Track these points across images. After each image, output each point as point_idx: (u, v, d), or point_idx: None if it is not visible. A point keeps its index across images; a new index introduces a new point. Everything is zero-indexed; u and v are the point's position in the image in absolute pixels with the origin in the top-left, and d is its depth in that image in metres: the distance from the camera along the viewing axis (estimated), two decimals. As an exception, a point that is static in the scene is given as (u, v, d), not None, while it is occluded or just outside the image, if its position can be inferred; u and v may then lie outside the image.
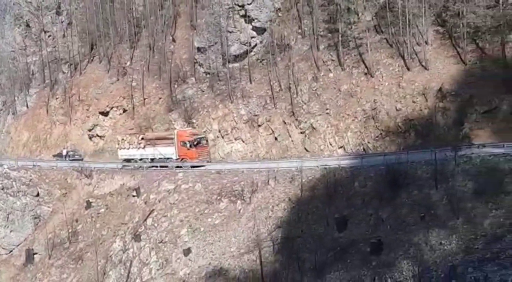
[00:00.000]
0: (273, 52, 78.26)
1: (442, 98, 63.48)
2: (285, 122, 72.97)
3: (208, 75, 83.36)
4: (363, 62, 71.30)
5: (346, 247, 54.09)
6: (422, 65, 67.27)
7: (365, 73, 70.41)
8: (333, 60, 74.02)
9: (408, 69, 67.91)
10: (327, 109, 70.38)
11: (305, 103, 72.21)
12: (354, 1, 73.49)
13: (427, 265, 48.28)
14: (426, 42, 68.63)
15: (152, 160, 75.54)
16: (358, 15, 74.45)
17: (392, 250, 51.35)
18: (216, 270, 58.70)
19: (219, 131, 77.24)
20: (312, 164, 64.49)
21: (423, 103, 64.30)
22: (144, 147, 75.76)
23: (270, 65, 77.40)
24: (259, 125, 74.73)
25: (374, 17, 74.00)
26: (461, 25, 66.61)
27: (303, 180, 61.40)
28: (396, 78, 68.03)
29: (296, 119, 72.00)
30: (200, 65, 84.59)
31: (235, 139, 76.22)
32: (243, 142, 75.55)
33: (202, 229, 63.67)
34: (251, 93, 76.92)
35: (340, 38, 74.12)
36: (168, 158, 74.27)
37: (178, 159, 73.49)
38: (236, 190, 64.73)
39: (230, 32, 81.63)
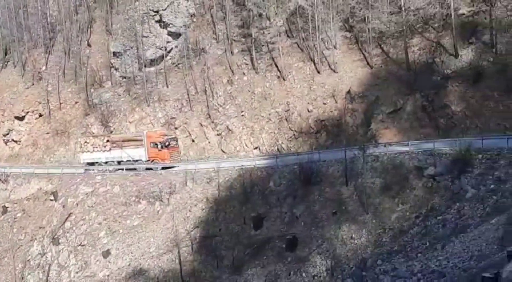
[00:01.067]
0: (188, 56, 77.72)
1: (350, 100, 64.53)
2: (201, 125, 72.51)
3: (124, 79, 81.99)
4: (276, 65, 71.68)
5: (262, 244, 54.27)
6: (331, 69, 68.17)
7: (278, 77, 70.81)
8: (247, 64, 74.10)
9: (319, 72, 68.70)
10: (242, 111, 70.37)
11: (220, 106, 71.96)
12: (266, 7, 73.74)
13: (339, 258, 49.00)
14: (335, 47, 69.60)
15: (119, 162, 71.40)
16: (270, 20, 74.84)
17: (306, 245, 51.84)
18: (135, 270, 57.80)
19: (136, 134, 76.03)
20: (228, 165, 64.45)
21: (333, 105, 65.18)
22: (110, 149, 71.32)
23: (186, 69, 76.87)
24: (176, 128, 73.99)
25: (285, 23, 74.59)
26: (367, 30, 68.00)
27: (220, 180, 61.29)
28: (307, 81, 68.71)
29: (212, 122, 71.67)
30: (116, 69, 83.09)
31: (152, 142, 75.18)
32: (161, 144, 74.59)
33: (121, 231, 62.52)
34: (168, 96, 76.07)
35: (253, 43, 74.34)
36: (136, 160, 70.08)
37: (148, 160, 69.57)
38: (155, 192, 63.91)
39: (146, 37, 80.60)
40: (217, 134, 71.05)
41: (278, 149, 67.11)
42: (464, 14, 63.77)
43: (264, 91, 70.53)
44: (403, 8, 65.29)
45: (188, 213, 60.73)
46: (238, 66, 74.28)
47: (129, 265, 59.01)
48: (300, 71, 69.97)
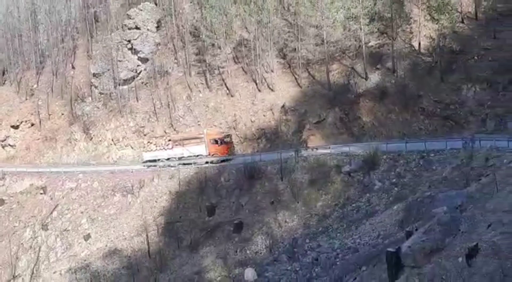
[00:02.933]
0: (155, 77, 76.71)
1: (285, 112, 64.76)
2: (165, 132, 71.57)
3: (102, 95, 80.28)
4: (225, 85, 71.38)
5: (214, 228, 53.99)
6: (270, 88, 68.30)
7: (227, 94, 70.53)
8: (202, 83, 73.61)
9: (259, 91, 68.73)
10: (198, 121, 69.81)
11: (181, 117, 71.25)
12: (217, 38, 73.42)
13: (276, 238, 49.07)
14: (272, 70, 69.77)
15: (180, 158, 65.41)
16: (220, 49, 74.54)
17: (250, 228, 51.79)
18: (111, 250, 56.76)
19: (112, 140, 74.52)
20: (188, 164, 63.73)
21: (271, 116, 65.32)
22: (172, 147, 66.24)
23: (153, 87, 75.81)
24: (145, 135, 72.84)
25: (232, 51, 74.41)
26: (297, 58, 68.42)
27: (181, 177, 60.68)
28: (250, 98, 68.64)
29: (175, 130, 70.85)
30: (96, 87, 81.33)
31: (125, 146, 73.84)
32: (132, 148, 73.31)
33: (99, 218, 61.38)
34: (138, 109, 74.90)
35: (207, 67, 73.93)
36: (197, 155, 64.66)
37: (208, 155, 64.13)
38: (127, 186, 62.86)
39: (120, 61, 79.19)
40: (178, 140, 70.37)
41: (227, 152, 66.86)
42: (372, 46, 64.89)
43: (216, 105, 70.17)
44: (325, 41, 65.93)
45: (155, 203, 59.92)
46: (195, 85, 73.73)
47: (106, 246, 57.93)
48: (245, 90, 69.90)
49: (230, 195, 56.55)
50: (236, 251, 50.05)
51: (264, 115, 66.03)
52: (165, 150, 66.87)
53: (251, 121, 66.14)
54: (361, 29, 63.97)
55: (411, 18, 63.89)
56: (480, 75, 54.69)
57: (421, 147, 49.62)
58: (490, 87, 53.70)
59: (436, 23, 60.78)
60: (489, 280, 17.46)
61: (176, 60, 78.38)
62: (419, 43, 60.96)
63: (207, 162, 63.32)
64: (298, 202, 51.48)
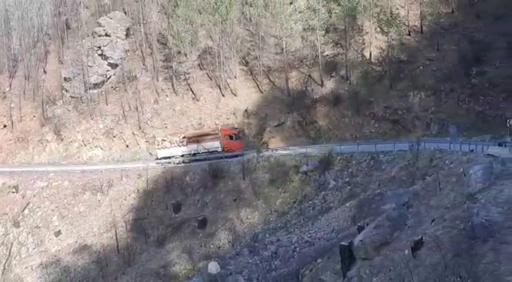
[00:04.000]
0: (124, 82, 75.45)
1: (247, 116, 64.85)
2: (134, 134, 70.49)
3: (73, 99, 78.47)
4: (191, 90, 70.84)
5: (180, 224, 53.65)
6: (233, 93, 68.18)
7: (193, 98, 69.99)
8: (169, 88, 72.86)
9: (223, 96, 68.50)
10: (165, 124, 69.05)
11: (149, 120, 70.34)
12: (183, 46, 72.82)
13: (238, 234, 49.06)
14: (235, 77, 69.64)
15: (194, 154, 62.31)
16: (186, 56, 73.97)
17: (213, 224, 51.64)
18: (81, 246, 55.73)
19: (83, 141, 72.95)
20: (155, 164, 62.95)
21: (235, 120, 65.26)
22: (187, 144, 62.59)
23: (122, 91, 74.55)
24: (114, 136, 71.60)
25: (198, 58, 73.93)
26: (258, 65, 68.54)
27: (148, 176, 59.99)
28: (215, 102, 68.34)
29: (143, 132, 69.89)
30: (67, 91, 79.43)
31: (95, 147, 72.41)
32: (102, 149, 71.94)
33: (69, 215, 60.08)
34: (108, 112, 73.57)
35: (174, 73, 73.20)
36: (212, 151, 61.51)
37: (223, 150, 60.93)
38: (97, 185, 61.68)
39: (90, 66, 77.56)
40: (146, 142, 69.40)
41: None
42: (328, 55, 65.57)
43: (182, 109, 69.58)
44: (284, 50, 66.30)
45: (123, 201, 59.03)
46: (162, 90, 72.94)
47: (76, 242, 56.76)
48: (209, 95, 69.56)
49: (195, 193, 56.20)
50: (201, 246, 49.81)
51: (227, 119, 65.89)
52: (180, 146, 63.45)
53: (215, 124, 65.81)
54: (317, 39, 64.61)
55: (363, 30, 64.86)
56: (425, 83, 55.99)
57: (371, 148, 50.40)
58: (434, 94, 55.02)
59: (386, 35, 61.89)
60: (432, 270, 17.84)
61: (144, 66, 77.37)
62: (370, 53, 61.97)
63: (220, 157, 60.42)
64: (259, 200, 51.57)
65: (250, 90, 68.06)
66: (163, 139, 64.59)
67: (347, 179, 48.15)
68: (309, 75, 65.07)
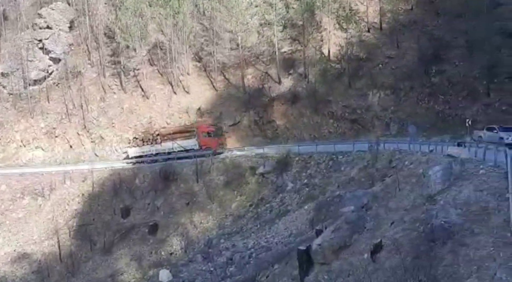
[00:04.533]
0: (67, 78, 73.75)
1: (200, 115, 64.59)
2: (78, 134, 69.00)
3: (11, 96, 76.07)
4: (141, 87, 69.98)
5: (129, 230, 52.89)
6: (185, 91, 67.78)
7: (142, 96, 69.17)
8: (117, 85, 71.73)
9: (175, 93, 68.01)
10: (113, 123, 67.91)
11: (95, 119, 69.00)
12: (132, 40, 71.80)
13: (191, 239, 48.77)
14: (188, 73, 69.28)
15: (169, 153, 60.66)
16: (135, 50, 72.98)
17: (165, 230, 51.16)
18: (20, 255, 54.02)
19: (22, 141, 70.77)
20: (101, 166, 61.84)
21: (187, 119, 64.86)
22: (161, 142, 61.47)
23: (65, 88, 72.82)
24: (56, 136, 69.86)
25: (148, 53, 73.08)
26: (213, 61, 68.35)
27: (94, 179, 58.86)
28: (166, 100, 67.77)
29: (88, 131, 68.49)
30: (4, 87, 76.92)
31: (36, 148, 70.39)
32: (43, 150, 70.03)
33: (7, 222, 58.20)
34: (50, 110, 71.70)
35: (122, 68, 72.13)
36: (188, 150, 59.68)
37: (200, 148, 59.25)
38: (37, 189, 60.10)
39: (30, 61, 75.41)
40: (92, 142, 68.04)
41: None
42: (285, 51, 66.06)
43: (131, 107, 68.62)
44: (240, 46, 66.38)
45: (67, 206, 57.71)
46: (109, 86, 71.72)
47: (14, 250, 54.98)
48: (160, 92, 68.92)
49: (145, 196, 55.53)
50: (151, 253, 49.25)
51: (179, 118, 65.43)
52: (153, 144, 62.32)
53: (167, 124, 65.30)
54: (274, 35, 64.99)
55: (321, 26, 65.69)
56: (384, 81, 57.22)
57: (330, 149, 51.08)
58: (393, 93, 56.30)
59: (345, 32, 62.94)
60: (391, 274, 18.26)
61: (89, 61, 75.86)
62: (329, 51, 62.82)
63: (199, 156, 58.37)
64: (213, 203, 51.41)
65: (203, 87, 67.84)
66: (134, 137, 63.67)
67: (305, 181, 48.62)
68: (266, 72, 65.38)
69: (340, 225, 26.30)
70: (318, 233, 29.54)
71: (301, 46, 65.10)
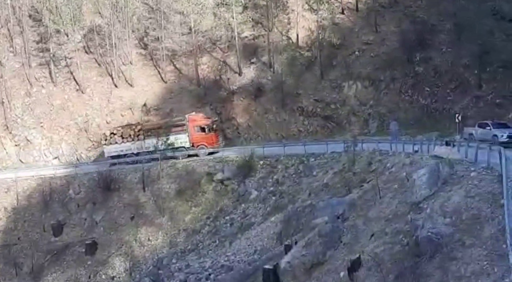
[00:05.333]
0: (-16, 69, 72.19)
1: (147, 112, 64.20)
2: (-1, 135, 67.58)
3: None
4: (75, 79, 69.06)
5: (62, 250, 52.09)
6: (128, 83, 67.23)
7: (77, 90, 68.27)
8: (45, 77, 70.55)
9: (116, 86, 67.38)
10: (41, 122, 66.76)
11: (19, 117, 67.66)
12: (63, 23, 70.71)
13: (137, 259, 48.40)
14: (131, 63, 68.73)
15: (153, 152, 57.73)
16: (67, 36, 71.97)
17: (106, 249, 50.59)
18: None
19: None
20: (28, 174, 60.53)
21: (131, 116, 64.37)
22: (144, 138, 58.69)
23: (-18, 81, 71.25)
24: (-28, 139, 68.22)
25: (83, 39, 72.16)
26: (160, 48, 67.96)
27: (19, 190, 57.71)
28: (105, 94, 67.09)
29: (10, 133, 67.05)
30: None
31: None
32: (-47, 155, 68.30)
33: None
34: (-38, 107, 69.95)
35: (51, 57, 70.92)
36: (177, 147, 57.47)
37: (192, 146, 57.34)
38: None
39: None
40: (16, 145, 66.67)
41: (77, 159, 64.67)
42: (246, 37, 66.22)
43: (63, 103, 67.62)
44: (193, 30, 66.16)
45: (-15, 223, 56.45)
46: (36, 79, 70.44)
47: None
48: (98, 85, 68.14)
49: (81, 210, 54.77)
50: (90, 276, 48.69)
51: (122, 116, 64.90)
52: (135, 141, 59.58)
53: (107, 123, 64.64)
54: (233, 17, 65.04)
55: (288, 7, 66.16)
56: (362, 71, 57.97)
57: (300, 150, 51.39)
58: (372, 85, 57.10)
59: (315, 14, 63.44)
60: (372, 295, 18.53)
61: (12, 49, 74.33)
62: (297, 36, 63.24)
63: (190, 156, 57.30)
64: (163, 216, 51.10)
65: (150, 79, 67.54)
66: (112, 133, 60.45)
67: (271, 188, 48.81)
68: (224, 62, 65.39)
69: (313, 239, 26.53)
70: (287, 249, 29.73)
71: (265, 30, 65.35)
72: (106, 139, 60.82)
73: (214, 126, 58.88)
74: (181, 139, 57.45)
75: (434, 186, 24.76)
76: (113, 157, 60.49)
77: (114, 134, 60.34)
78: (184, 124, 57.69)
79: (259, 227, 42.62)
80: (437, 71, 54.76)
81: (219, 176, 52.14)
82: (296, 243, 29.43)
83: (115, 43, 68.73)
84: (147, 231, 50.54)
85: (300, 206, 40.37)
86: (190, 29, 66.68)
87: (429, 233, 19.91)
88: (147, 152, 58.43)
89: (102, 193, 54.62)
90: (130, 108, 64.79)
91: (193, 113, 59.57)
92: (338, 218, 30.51)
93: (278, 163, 51.40)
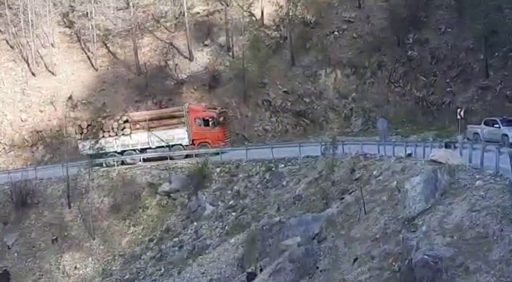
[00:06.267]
0: None
1: (73, 107, 63.66)
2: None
3: None
4: (-20, 66, 68.27)
5: (-36, 283, 51.18)
6: (49, 71, 66.65)
7: (-18, 79, 67.49)
8: None
9: (34, 74, 66.81)
10: None
11: None
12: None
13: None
14: (53, 45, 68.19)
15: (143, 150, 57.03)
16: (-30, 11, 71.18)
17: (20, 279, 50.00)
18: None
19: None
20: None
21: (52, 113, 63.85)
22: (131, 133, 57.17)
23: None
24: None
25: (-10, 14, 71.41)
26: (90, 27, 67.45)
27: None
28: (19, 85, 66.45)
29: None
30: None
31: None
32: None
33: None
34: None
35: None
36: (173, 145, 56.49)
37: (192, 144, 56.11)
38: None
39: None
40: None
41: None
42: (198, 13, 66.18)
43: (-36, 96, 66.81)
44: (131, 4, 65.90)
45: None
46: None
47: None
48: (10, 73, 67.44)
49: (-12, 231, 54.10)
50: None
51: (41, 111, 64.55)
52: (118, 137, 58.00)
53: (22, 120, 64.12)
54: (182, -12, 65.16)
55: (251, -25, 66.33)
56: (342, 56, 58.41)
57: (267, 154, 51.51)
58: (355, 74, 57.54)
59: (285, -16, 63.80)
60: None
61: None
62: (262, 12, 63.49)
63: (187, 156, 55.63)
64: (94, 238, 50.74)
65: (77, 66, 67.36)
66: (89, 125, 58.44)
67: (231, 202, 48.82)
68: (171, 44, 65.24)
69: (282, 265, 26.58)
70: (251, 277, 29.73)
71: (222, 4, 65.40)
72: (82, 133, 58.90)
73: (221, 119, 57.14)
74: (177, 135, 56.61)
75: (431, 197, 25.02)
76: (91, 156, 57.41)
77: (93, 127, 58.26)
78: (182, 116, 56.55)
79: (215, 251, 42.49)
80: (434, 56, 55.46)
81: (165, 187, 51.99)
82: (261, 270, 29.45)
83: (31, 20, 68.00)
84: (73, 257, 50.12)
85: (267, 223, 40.36)
86: (128, 3, 66.48)
87: (425, 256, 20.07)
88: (134, 150, 57.73)
89: (16, 209, 53.92)
90: (52, 102, 64.29)
91: (195, 102, 58.87)
92: (314, 238, 30.63)
93: (239, 170, 51.44)
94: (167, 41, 65.66)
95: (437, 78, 54.47)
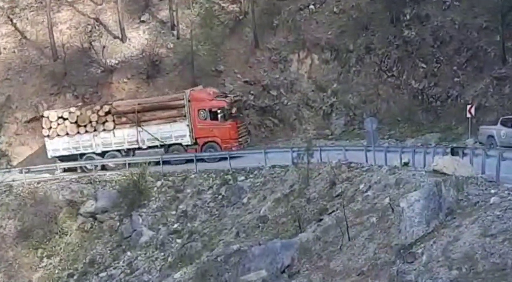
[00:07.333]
0: None
1: (-33, 101, 63.35)
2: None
3: None
4: None
5: None
6: None
7: None
8: None
9: None
10: None
11: None
12: None
13: None
14: None
15: (129, 151, 56.01)
16: None
17: None
18: None
19: None
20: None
21: None
22: (114, 127, 55.64)
23: None
24: None
25: None
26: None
27: None
28: None
29: None
30: None
31: None
32: None
33: None
34: None
35: None
36: (170, 145, 55.46)
37: (195, 143, 54.97)
38: None
39: None
40: None
41: None
42: (133, -21, 66.24)
43: None
44: (45, -34, 65.85)
45: None
46: None
47: None
48: None
49: None
50: None
51: None
52: (98, 132, 56.45)
53: None
54: None
55: None
56: (320, 37, 58.72)
57: (222, 163, 51.80)
58: (336, 59, 57.91)
59: None
60: None
61: None
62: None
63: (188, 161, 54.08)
64: (-6, 274, 50.51)
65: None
66: (60, 117, 56.75)
67: (175, 225, 48.84)
68: (97, 20, 65.10)
69: (242, 308, 26.65)
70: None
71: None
72: (50, 128, 57.21)
73: (234, 110, 55.72)
74: (178, 130, 55.46)
75: (433, 219, 25.27)
76: (62, 159, 57.57)
77: (64, 119, 56.85)
78: (181, 106, 55.03)
79: (154, 289, 42.60)
80: (437, 37, 55.93)
81: (88, 206, 51.84)
82: (215, 314, 29.51)
83: None
84: (-33, 299, 49.84)
85: (222, 253, 40.41)
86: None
87: (427, 295, 20.28)
88: (118, 150, 56.62)
89: None
90: None
91: (199, 87, 57.25)
92: (283, 272, 30.76)
93: (186, 184, 51.47)
94: (92, 16, 65.52)
95: (441, 66, 54.90)
